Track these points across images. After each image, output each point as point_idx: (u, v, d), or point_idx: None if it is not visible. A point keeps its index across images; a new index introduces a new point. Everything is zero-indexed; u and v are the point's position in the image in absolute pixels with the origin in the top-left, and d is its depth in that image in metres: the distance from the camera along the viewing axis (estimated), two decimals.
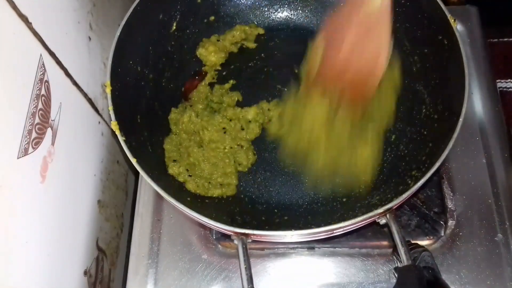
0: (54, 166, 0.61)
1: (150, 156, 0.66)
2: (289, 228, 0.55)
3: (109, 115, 0.62)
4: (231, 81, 0.80)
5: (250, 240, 0.58)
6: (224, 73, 0.82)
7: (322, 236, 0.59)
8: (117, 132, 0.60)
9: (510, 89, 1.03)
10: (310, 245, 0.72)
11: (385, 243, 0.71)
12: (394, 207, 0.57)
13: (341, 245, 0.72)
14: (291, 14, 0.86)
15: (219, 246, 0.73)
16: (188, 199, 0.66)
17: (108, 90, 0.63)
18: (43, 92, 0.58)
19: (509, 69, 1.04)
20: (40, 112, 0.57)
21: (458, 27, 0.88)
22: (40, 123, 0.57)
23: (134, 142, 0.63)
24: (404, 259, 0.56)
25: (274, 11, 0.86)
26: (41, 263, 0.58)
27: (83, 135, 0.72)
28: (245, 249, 0.56)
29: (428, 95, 0.71)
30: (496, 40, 1.08)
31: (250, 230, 0.56)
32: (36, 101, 0.56)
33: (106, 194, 0.80)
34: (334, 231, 0.57)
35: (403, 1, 0.73)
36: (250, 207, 0.71)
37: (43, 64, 0.58)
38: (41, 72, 0.58)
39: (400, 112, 0.74)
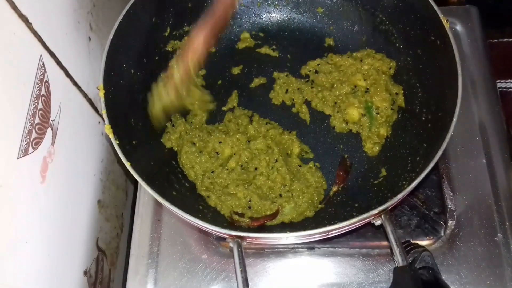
0: (54, 166, 0.61)
1: (144, 159, 0.66)
2: (284, 230, 0.55)
3: None
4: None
5: (246, 243, 0.58)
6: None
7: (318, 237, 0.59)
8: (111, 136, 0.60)
9: (510, 89, 1.03)
10: (310, 245, 0.72)
11: (385, 243, 0.71)
12: (389, 208, 0.57)
13: (341, 245, 0.72)
14: (283, 16, 0.86)
15: (219, 246, 0.73)
16: (183, 202, 0.66)
17: (101, 93, 0.63)
18: (43, 92, 0.58)
19: (509, 69, 1.04)
20: (40, 112, 0.57)
21: (458, 27, 0.88)
22: (40, 123, 0.57)
23: (128, 146, 0.63)
24: (399, 260, 0.56)
25: (266, 14, 0.86)
26: (41, 263, 0.58)
27: (83, 135, 0.72)
28: (240, 252, 0.56)
29: (421, 95, 0.71)
30: (496, 40, 1.07)
31: (245, 233, 0.56)
32: (36, 101, 0.56)
33: (106, 194, 0.80)
34: (330, 233, 0.57)
35: (395, 2, 0.74)
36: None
37: (43, 64, 0.59)
38: (41, 72, 0.58)
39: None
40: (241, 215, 0.66)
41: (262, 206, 0.68)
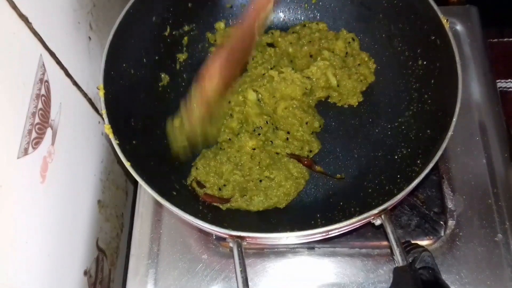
0: (54, 166, 0.61)
1: (144, 159, 0.66)
2: (285, 230, 0.55)
3: None
4: None
5: (246, 243, 0.58)
6: None
7: (318, 237, 0.59)
8: (111, 136, 0.60)
9: (510, 89, 1.03)
10: (310, 245, 0.72)
11: (385, 243, 0.71)
12: (389, 208, 0.57)
13: (341, 245, 0.72)
14: (286, 17, 0.86)
15: (219, 246, 0.73)
16: (183, 202, 0.66)
17: (102, 93, 0.63)
18: (43, 92, 0.58)
19: (509, 69, 1.04)
20: (40, 112, 0.57)
21: (458, 27, 0.88)
22: (40, 123, 0.57)
23: (128, 146, 0.63)
24: (399, 260, 0.56)
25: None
26: (41, 263, 0.58)
27: (83, 135, 0.72)
28: (240, 252, 0.57)
29: (421, 95, 0.71)
30: (496, 40, 1.08)
31: (245, 233, 0.56)
32: (36, 101, 0.56)
33: (106, 194, 0.80)
34: (330, 233, 0.57)
35: (395, 2, 0.74)
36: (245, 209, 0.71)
37: (43, 64, 0.59)
38: (41, 72, 0.58)
39: (394, 112, 0.75)
40: (202, 185, 0.70)
41: (238, 185, 0.70)
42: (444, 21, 0.65)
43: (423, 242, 0.70)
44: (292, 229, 0.56)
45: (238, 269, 0.56)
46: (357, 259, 0.71)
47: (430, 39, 0.68)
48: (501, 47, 1.07)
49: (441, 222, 0.71)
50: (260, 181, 0.71)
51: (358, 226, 0.59)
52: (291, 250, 0.72)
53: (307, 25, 0.83)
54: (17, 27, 0.53)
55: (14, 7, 0.52)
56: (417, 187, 0.58)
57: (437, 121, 0.64)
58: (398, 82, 0.76)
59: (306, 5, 0.84)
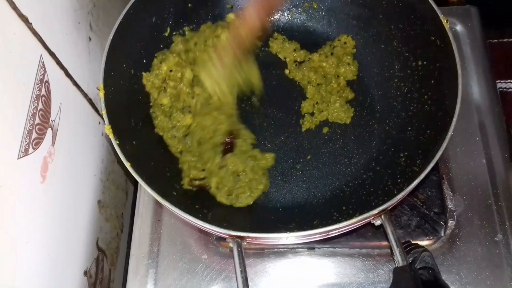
0: (54, 166, 0.61)
1: (144, 159, 0.66)
2: (284, 230, 0.55)
3: None
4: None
5: (246, 243, 0.58)
6: None
7: (318, 237, 0.59)
8: (111, 136, 0.60)
9: (510, 89, 1.03)
10: (310, 245, 0.72)
11: (385, 243, 0.71)
12: (389, 208, 0.57)
13: (341, 245, 0.72)
14: (284, 19, 0.86)
15: (219, 246, 0.73)
16: (183, 202, 0.66)
17: (102, 94, 0.63)
18: (43, 92, 0.58)
19: (509, 69, 1.04)
20: (40, 112, 0.57)
21: (458, 27, 0.88)
22: (40, 123, 0.57)
23: (128, 146, 0.63)
24: (399, 260, 0.56)
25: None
26: (41, 263, 0.58)
27: (83, 135, 0.72)
28: (240, 252, 0.57)
29: (421, 95, 0.71)
30: (496, 40, 1.08)
31: (245, 233, 0.56)
32: (36, 101, 0.56)
33: (106, 194, 0.80)
34: (329, 233, 0.57)
35: (395, 2, 0.74)
36: (246, 209, 0.71)
37: (43, 65, 0.59)
38: (41, 73, 0.58)
39: (394, 112, 0.75)
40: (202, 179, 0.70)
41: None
42: (444, 21, 0.65)
43: (423, 242, 0.70)
44: (292, 229, 0.56)
45: (238, 269, 0.56)
46: (357, 259, 0.71)
47: (430, 39, 0.68)
48: (501, 47, 1.07)
49: (441, 222, 0.71)
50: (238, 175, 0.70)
51: (358, 226, 0.59)
52: (291, 250, 0.72)
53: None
54: (17, 27, 0.53)
55: (14, 7, 0.52)
56: (417, 187, 0.58)
57: (437, 121, 0.64)
58: (398, 83, 0.76)
59: (306, 4, 0.84)
